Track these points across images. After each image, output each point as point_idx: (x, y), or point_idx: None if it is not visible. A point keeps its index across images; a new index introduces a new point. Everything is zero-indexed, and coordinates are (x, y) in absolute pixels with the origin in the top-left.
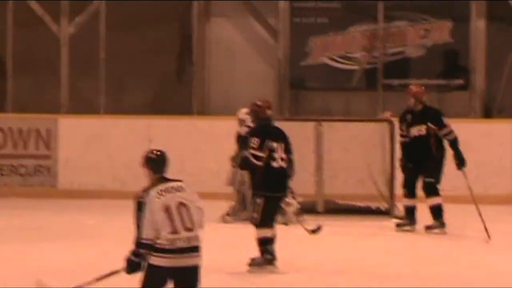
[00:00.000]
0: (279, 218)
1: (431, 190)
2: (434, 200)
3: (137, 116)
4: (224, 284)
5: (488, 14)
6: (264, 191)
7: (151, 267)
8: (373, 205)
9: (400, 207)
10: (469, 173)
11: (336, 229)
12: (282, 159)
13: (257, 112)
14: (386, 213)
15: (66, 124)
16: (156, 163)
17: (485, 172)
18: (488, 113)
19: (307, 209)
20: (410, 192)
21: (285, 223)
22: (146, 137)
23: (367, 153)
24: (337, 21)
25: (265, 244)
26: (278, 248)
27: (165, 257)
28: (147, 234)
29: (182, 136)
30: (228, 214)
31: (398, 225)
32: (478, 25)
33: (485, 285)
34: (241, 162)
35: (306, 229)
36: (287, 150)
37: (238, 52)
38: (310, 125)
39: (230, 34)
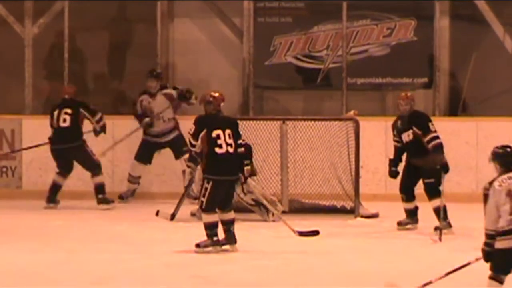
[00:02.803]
0: (262, 215)
1: (432, 192)
2: (436, 202)
3: None
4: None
5: (452, 12)
6: (209, 175)
7: (499, 251)
8: (338, 204)
9: (365, 205)
10: None
11: (301, 228)
12: (228, 144)
13: (210, 103)
14: (351, 212)
15: (30, 125)
16: (501, 158)
17: (450, 170)
18: (452, 111)
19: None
20: (408, 196)
21: (265, 220)
22: (110, 137)
23: (332, 152)
24: (301, 21)
25: (210, 229)
26: (244, 243)
27: (506, 239)
28: (488, 224)
29: None
30: (193, 214)
31: (399, 224)
32: (442, 24)
33: (447, 285)
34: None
35: (292, 229)
36: (235, 137)
37: (203, 52)
38: (275, 124)
39: (194, 34)
